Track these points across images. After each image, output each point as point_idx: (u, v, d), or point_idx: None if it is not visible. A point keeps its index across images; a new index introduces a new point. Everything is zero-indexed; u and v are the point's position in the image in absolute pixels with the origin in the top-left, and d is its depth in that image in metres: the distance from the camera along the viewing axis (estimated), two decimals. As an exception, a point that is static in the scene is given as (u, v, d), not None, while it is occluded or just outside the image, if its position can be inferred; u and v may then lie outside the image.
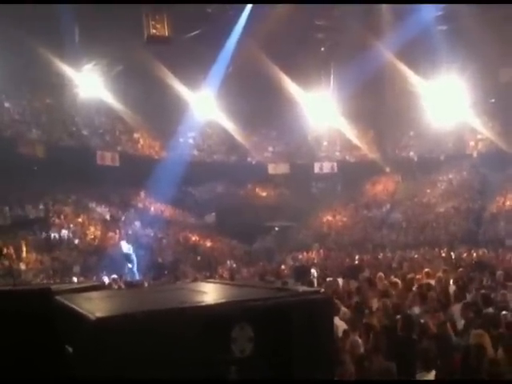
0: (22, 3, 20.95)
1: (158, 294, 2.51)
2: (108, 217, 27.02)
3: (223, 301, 1.91)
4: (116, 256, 21.99)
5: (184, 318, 1.70)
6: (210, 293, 2.22)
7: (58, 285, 2.89)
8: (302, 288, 2.02)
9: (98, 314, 1.63)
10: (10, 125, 27.55)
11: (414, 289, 9.68)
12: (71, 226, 24.48)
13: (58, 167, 24.12)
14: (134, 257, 20.85)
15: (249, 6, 27.14)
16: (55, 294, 2.20)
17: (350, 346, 5.93)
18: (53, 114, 29.70)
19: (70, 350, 1.83)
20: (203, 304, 1.85)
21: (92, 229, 25.10)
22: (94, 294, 2.41)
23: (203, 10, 26.93)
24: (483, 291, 8.64)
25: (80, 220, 25.44)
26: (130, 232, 25.23)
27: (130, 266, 20.75)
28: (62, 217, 24.85)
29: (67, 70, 27.55)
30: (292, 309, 1.80)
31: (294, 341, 1.78)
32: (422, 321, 6.89)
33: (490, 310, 7.43)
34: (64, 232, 23.63)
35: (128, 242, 21.49)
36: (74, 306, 1.86)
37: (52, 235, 23.10)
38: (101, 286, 3.46)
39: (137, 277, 19.59)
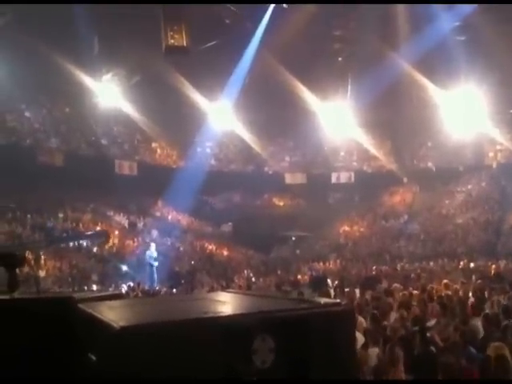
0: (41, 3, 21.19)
1: (180, 303, 2.52)
2: (126, 225, 27.20)
3: (245, 311, 1.92)
4: (133, 264, 22.20)
5: (207, 328, 1.71)
6: (230, 303, 2.22)
7: (80, 293, 2.92)
8: (323, 300, 2.01)
9: (122, 323, 1.64)
10: (29, 134, 27.94)
11: (433, 300, 9.60)
12: (89, 234, 24.66)
13: (77, 176, 24.38)
14: (155, 264, 21.06)
15: (266, 18, 27.24)
16: (78, 302, 2.22)
17: (368, 357, 5.89)
18: (72, 123, 30.08)
19: (94, 358, 1.85)
20: (226, 314, 1.86)
21: (110, 237, 25.25)
22: (116, 303, 2.43)
23: (221, 21, 27.12)
24: (504, 303, 8.53)
25: (98, 228, 25.62)
26: (147, 240, 25.37)
27: (150, 272, 20.97)
28: (81, 225, 25.06)
29: (86, 79, 27.89)
30: (314, 321, 1.80)
31: (316, 353, 1.78)
32: (428, 334, 6.82)
33: (511, 322, 7.33)
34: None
35: (152, 249, 21.71)
36: (97, 315, 1.87)
37: (71, 243, 23.28)
38: (122, 295, 3.49)
39: (155, 284, 19.71)
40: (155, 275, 21.02)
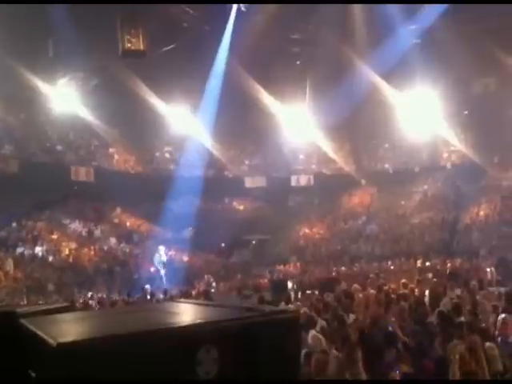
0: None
1: (128, 315, 2.47)
2: (83, 233, 26.68)
3: (190, 323, 1.89)
4: (90, 272, 21.80)
5: (149, 341, 1.67)
6: (180, 314, 2.19)
7: (25, 307, 2.83)
8: (268, 307, 2.00)
9: (60, 339, 1.59)
10: (-18, 141, 27.18)
11: (390, 299, 9.75)
12: (45, 242, 24.10)
13: (32, 183, 23.83)
14: (163, 270, 20.58)
15: (225, 21, 27.23)
16: (20, 317, 2.15)
17: (329, 360, 5.93)
18: (26, 129, 29.39)
19: (33, 375, 1.80)
20: (170, 326, 1.83)
21: (66, 245, 24.73)
22: (61, 317, 2.36)
23: (179, 25, 27.01)
24: (455, 301, 8.74)
25: (54, 236, 25.08)
26: (105, 248, 24.96)
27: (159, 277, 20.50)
28: (36, 233, 24.48)
29: (41, 84, 27.30)
30: (259, 329, 1.79)
31: (260, 362, 1.77)
32: (390, 328, 6.93)
33: (462, 319, 7.50)
34: (38, 249, 23.25)
35: (161, 252, 21.11)
36: (37, 330, 1.82)
37: (25, 252, 22.72)
38: (71, 308, 3.38)
39: (164, 286, 19.15)
40: (164, 280, 20.48)
